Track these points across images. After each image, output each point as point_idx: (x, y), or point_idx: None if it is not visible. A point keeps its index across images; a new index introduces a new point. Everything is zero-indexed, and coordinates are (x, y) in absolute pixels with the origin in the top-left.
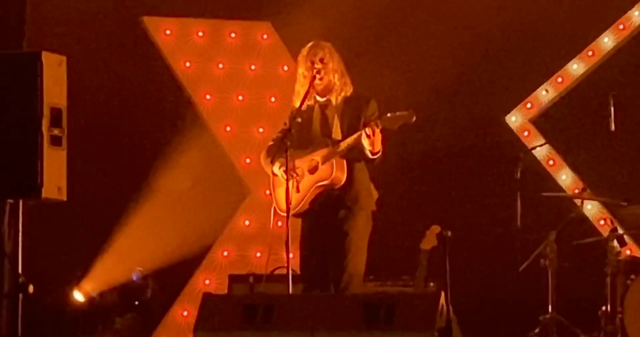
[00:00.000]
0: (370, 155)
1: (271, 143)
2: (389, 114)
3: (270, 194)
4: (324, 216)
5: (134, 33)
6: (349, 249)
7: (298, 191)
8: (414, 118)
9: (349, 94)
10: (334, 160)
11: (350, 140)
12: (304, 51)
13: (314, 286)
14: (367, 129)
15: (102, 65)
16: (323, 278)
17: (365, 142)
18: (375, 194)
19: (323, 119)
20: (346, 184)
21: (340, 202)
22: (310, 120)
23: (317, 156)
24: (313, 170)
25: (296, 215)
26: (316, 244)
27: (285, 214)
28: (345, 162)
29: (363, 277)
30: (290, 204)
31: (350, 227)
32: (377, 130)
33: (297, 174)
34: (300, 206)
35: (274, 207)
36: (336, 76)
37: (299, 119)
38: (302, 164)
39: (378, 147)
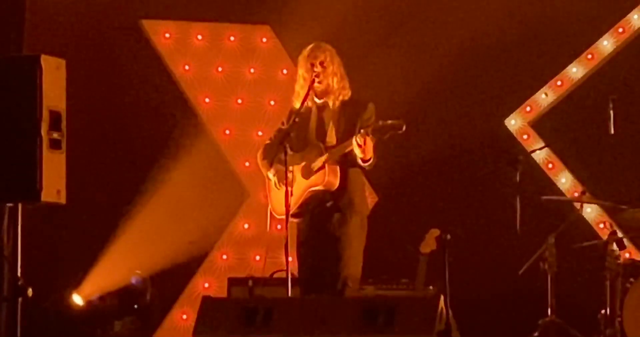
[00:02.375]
0: (361, 163)
1: (268, 142)
2: (380, 122)
3: (267, 195)
4: (319, 221)
5: (133, 36)
6: (342, 253)
7: (291, 194)
8: (404, 127)
9: (346, 98)
10: (327, 166)
11: (341, 148)
12: (305, 52)
13: (310, 290)
14: (358, 138)
15: (101, 68)
16: (319, 282)
17: (357, 151)
18: (374, 198)
19: (319, 121)
20: (340, 188)
21: (334, 207)
22: (307, 122)
23: (311, 161)
24: (307, 175)
25: (291, 217)
26: (311, 248)
27: (280, 217)
28: (338, 167)
29: (361, 281)
30: (283, 206)
31: (343, 231)
32: (368, 139)
33: (290, 178)
34: (294, 209)
35: (270, 210)
36: (335, 80)
37: (297, 120)
38: (295, 168)
39: (369, 154)
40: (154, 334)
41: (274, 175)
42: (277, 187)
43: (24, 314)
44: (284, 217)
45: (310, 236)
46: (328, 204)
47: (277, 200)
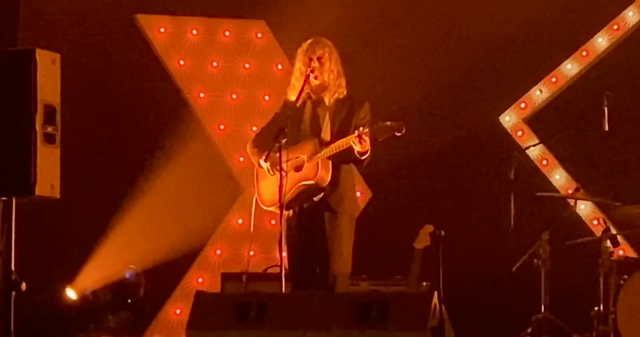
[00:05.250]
0: (359, 156)
1: (258, 132)
2: (379, 123)
3: (253, 185)
4: (308, 216)
5: (128, 31)
6: (332, 250)
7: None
8: (404, 130)
9: (342, 96)
10: (320, 161)
11: (338, 145)
12: (304, 46)
13: (301, 286)
14: (354, 139)
15: (96, 63)
16: (309, 278)
17: (357, 146)
18: (369, 194)
19: (314, 116)
20: (331, 185)
21: (324, 205)
22: (300, 116)
23: (304, 155)
24: (298, 168)
25: (276, 208)
26: (301, 244)
27: (267, 208)
28: (330, 162)
29: (355, 277)
30: (271, 197)
31: (333, 228)
32: (365, 137)
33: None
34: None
35: (256, 199)
36: (331, 76)
37: (289, 113)
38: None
39: (367, 146)
40: (147, 329)
41: (265, 162)
42: (269, 174)
43: (17, 308)
44: (270, 208)
45: (300, 231)
46: (316, 198)
47: (264, 190)
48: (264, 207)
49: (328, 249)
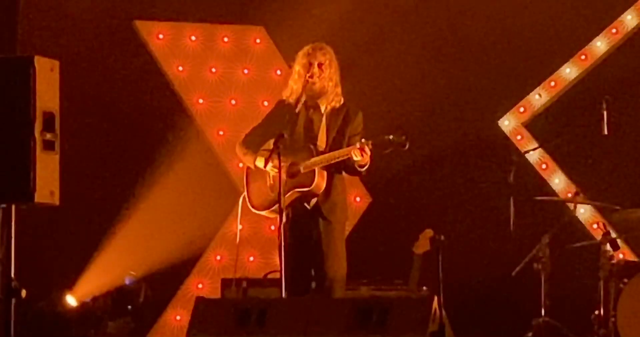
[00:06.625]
0: (358, 168)
1: (247, 133)
2: (381, 136)
3: (243, 186)
4: (302, 224)
5: (126, 37)
6: (327, 255)
7: (273, 191)
8: (407, 146)
9: (338, 105)
10: (316, 169)
11: (337, 154)
12: (306, 50)
13: (296, 293)
14: (356, 151)
15: (95, 69)
16: (305, 284)
17: (358, 157)
18: (368, 199)
19: (308, 122)
20: (325, 193)
21: (317, 212)
22: (295, 120)
23: (300, 162)
24: (293, 174)
25: (269, 213)
26: (295, 251)
27: (256, 211)
28: (326, 171)
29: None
30: (262, 201)
31: (327, 234)
32: (367, 149)
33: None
34: (275, 206)
35: (244, 200)
36: (330, 84)
37: (287, 117)
38: (283, 165)
39: (367, 160)
40: (147, 335)
41: (267, 165)
42: (271, 171)
43: (17, 315)
44: (262, 212)
45: (293, 237)
46: (309, 205)
47: (255, 193)
48: (253, 211)
49: (324, 253)
